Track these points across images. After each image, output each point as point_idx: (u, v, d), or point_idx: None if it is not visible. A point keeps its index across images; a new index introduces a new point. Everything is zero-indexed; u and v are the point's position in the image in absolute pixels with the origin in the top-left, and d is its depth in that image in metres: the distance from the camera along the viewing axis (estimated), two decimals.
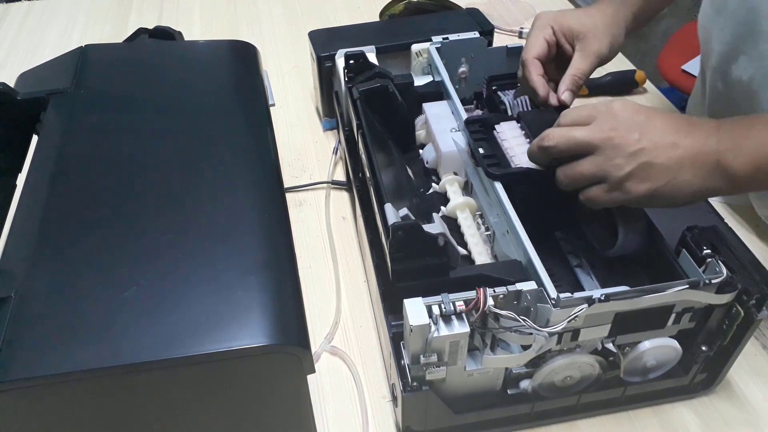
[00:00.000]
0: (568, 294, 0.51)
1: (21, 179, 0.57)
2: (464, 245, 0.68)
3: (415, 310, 0.52)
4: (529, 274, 0.56)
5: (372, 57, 0.83)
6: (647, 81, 1.05)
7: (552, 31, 0.70)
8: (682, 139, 0.53)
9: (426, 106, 0.78)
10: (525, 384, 0.59)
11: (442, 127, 0.74)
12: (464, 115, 0.71)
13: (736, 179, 0.53)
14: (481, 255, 0.66)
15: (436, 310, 0.52)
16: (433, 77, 0.83)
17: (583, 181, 0.57)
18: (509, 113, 0.73)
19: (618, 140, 0.54)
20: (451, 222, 0.71)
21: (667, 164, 0.53)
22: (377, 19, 1.14)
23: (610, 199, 0.56)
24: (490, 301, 0.51)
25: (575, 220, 0.66)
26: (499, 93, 0.76)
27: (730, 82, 0.77)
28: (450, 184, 0.73)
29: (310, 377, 0.48)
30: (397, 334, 0.58)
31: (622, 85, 1.04)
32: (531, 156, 0.61)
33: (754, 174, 0.52)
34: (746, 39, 0.72)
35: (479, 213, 0.71)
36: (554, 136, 0.58)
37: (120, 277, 0.46)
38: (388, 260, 0.58)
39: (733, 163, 0.52)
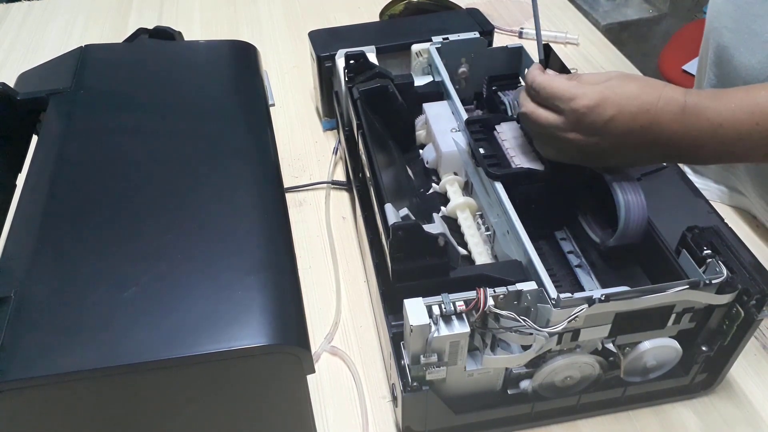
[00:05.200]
0: (568, 294, 0.51)
1: (21, 179, 0.57)
2: (464, 245, 0.68)
3: (415, 310, 0.52)
4: (529, 274, 0.56)
5: (372, 57, 0.83)
6: None
7: None
8: None
9: (426, 106, 0.78)
10: (525, 384, 0.59)
11: (443, 127, 0.74)
12: (464, 116, 0.71)
13: None
14: (481, 255, 0.66)
15: (436, 310, 0.52)
16: (434, 77, 0.83)
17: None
18: (509, 113, 0.73)
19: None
20: (451, 222, 0.71)
21: None
22: (377, 19, 1.14)
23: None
24: (490, 301, 0.51)
25: (575, 216, 0.66)
26: (499, 93, 0.76)
27: None
28: (450, 184, 0.73)
29: (310, 377, 0.48)
30: (397, 334, 0.58)
31: None
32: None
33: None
34: None
35: (479, 213, 0.70)
36: (526, 109, 0.60)
37: (120, 277, 0.46)
38: (388, 260, 0.58)
39: None
